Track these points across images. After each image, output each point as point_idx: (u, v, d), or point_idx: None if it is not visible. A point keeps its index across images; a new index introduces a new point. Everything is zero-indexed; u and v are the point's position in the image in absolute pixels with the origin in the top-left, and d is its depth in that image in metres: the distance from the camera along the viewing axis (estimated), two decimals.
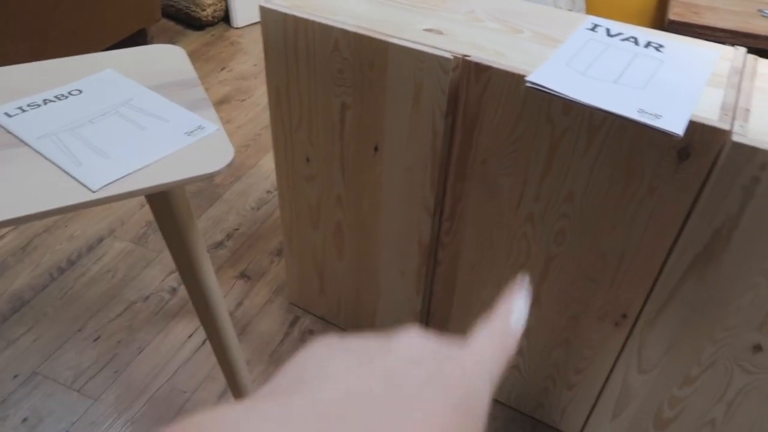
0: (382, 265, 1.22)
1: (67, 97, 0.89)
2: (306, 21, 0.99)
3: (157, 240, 1.65)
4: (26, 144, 0.79)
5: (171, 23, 2.78)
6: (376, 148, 1.05)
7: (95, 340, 1.38)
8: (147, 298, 1.49)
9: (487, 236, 1.05)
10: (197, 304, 1.00)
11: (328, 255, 1.30)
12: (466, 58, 0.89)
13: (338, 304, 1.39)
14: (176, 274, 1.55)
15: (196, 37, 2.66)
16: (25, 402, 1.24)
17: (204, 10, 2.70)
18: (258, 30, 2.73)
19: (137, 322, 1.42)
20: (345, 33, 0.96)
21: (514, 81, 0.87)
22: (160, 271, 1.56)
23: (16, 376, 1.29)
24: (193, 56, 2.51)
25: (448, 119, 0.96)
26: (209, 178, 0.78)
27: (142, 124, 0.84)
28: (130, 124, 0.84)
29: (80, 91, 0.90)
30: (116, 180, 0.75)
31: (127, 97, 0.89)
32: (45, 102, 0.87)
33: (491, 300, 1.13)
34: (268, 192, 1.84)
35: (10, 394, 1.26)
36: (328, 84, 1.03)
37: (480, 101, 0.91)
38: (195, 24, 2.76)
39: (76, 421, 1.22)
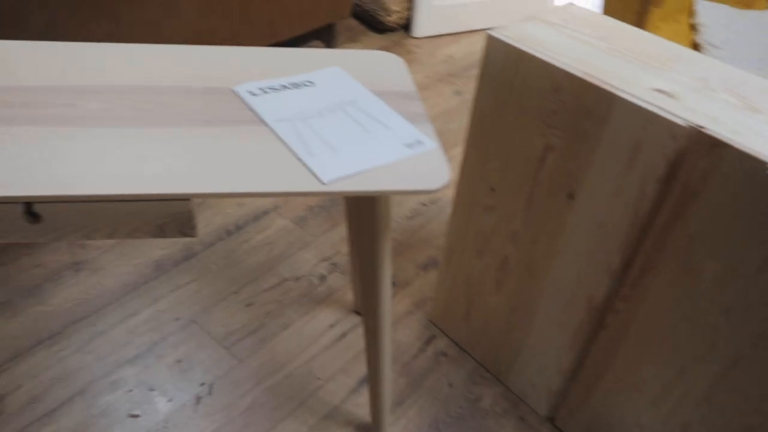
0: (540, 310, 1.20)
1: (300, 87, 0.96)
2: (530, 56, 0.99)
3: (315, 225, 1.74)
4: (266, 124, 0.87)
5: (355, 22, 2.92)
6: (570, 196, 1.03)
7: (248, 305, 1.48)
8: (298, 278, 1.57)
9: (669, 316, 0.99)
10: (367, 304, 1.03)
11: (484, 285, 1.29)
12: (701, 129, 0.85)
13: (480, 335, 1.38)
14: (327, 263, 1.62)
15: (376, 40, 2.77)
16: (181, 346, 1.36)
17: (389, 15, 2.81)
18: (435, 43, 2.79)
19: (287, 299, 1.51)
20: (569, 76, 0.95)
21: (754, 166, 0.81)
22: (314, 256, 1.64)
23: (177, 319, 1.42)
24: None
25: (662, 186, 0.91)
26: (426, 193, 0.81)
27: (367, 127, 0.88)
28: (356, 124, 0.89)
29: (312, 83, 0.97)
30: (345, 176, 0.79)
31: (354, 98, 0.95)
32: (283, 88, 0.95)
33: (652, 380, 1.06)
34: (424, 205, 1.87)
35: (170, 335, 1.38)
36: (537, 122, 1.03)
37: (706, 177, 0.85)
38: (377, 27, 2.88)
39: (222, 377, 1.31)
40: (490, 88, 1.08)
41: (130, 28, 1.76)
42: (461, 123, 2.23)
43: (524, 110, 1.04)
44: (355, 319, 1.48)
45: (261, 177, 0.78)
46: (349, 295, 1.54)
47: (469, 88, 2.45)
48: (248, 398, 1.28)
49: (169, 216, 0.80)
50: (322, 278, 1.58)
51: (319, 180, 0.78)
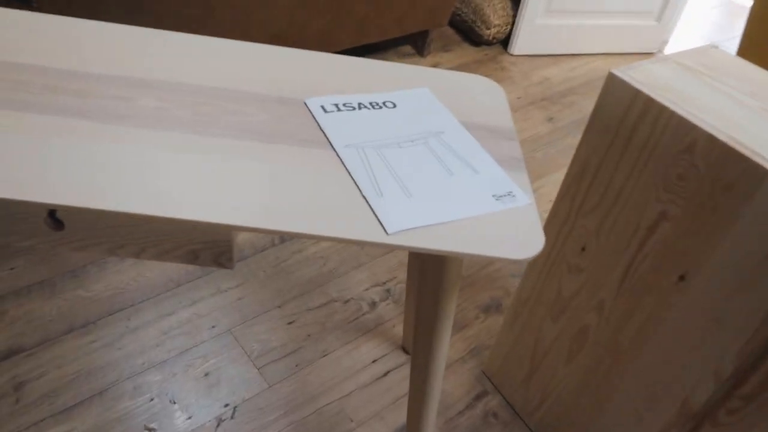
0: (618, 396, 1.02)
1: (380, 107, 0.82)
2: (662, 107, 0.81)
3: (374, 248, 1.61)
4: (333, 148, 0.74)
5: (451, 31, 2.77)
6: (682, 277, 0.85)
7: (289, 323, 1.37)
8: (347, 301, 1.45)
9: None
10: (418, 360, 0.89)
11: (555, 352, 1.12)
12: None
13: (540, 403, 1.21)
14: (380, 288, 1.49)
15: (470, 52, 2.61)
16: (212, 357, 1.27)
17: (489, 28, 2.64)
18: (532, 63, 2.60)
19: (331, 323, 1.39)
20: (710, 139, 0.77)
21: None
22: (367, 279, 1.51)
23: (213, 327, 1.33)
24: (460, 70, 2.46)
25: None
26: (512, 262, 0.66)
27: (450, 167, 0.74)
28: (438, 163, 0.75)
29: (394, 105, 0.83)
30: (414, 228, 0.66)
31: (439, 128, 0.80)
32: (359, 106, 0.82)
33: None
34: None
35: (203, 343, 1.29)
36: (655, 184, 0.85)
37: None
38: (474, 39, 2.71)
39: (248, 400, 1.21)
40: (603, 133, 0.91)
41: (221, 12, 1.68)
42: (548, 153, 2.05)
43: (641, 167, 0.86)
44: (402, 358, 1.34)
45: (314, 214, 0.65)
46: (399, 329, 1.40)
47: (562, 116, 2.26)
48: (271, 430, 1.17)
49: (204, 243, 0.68)
50: (373, 304, 1.45)
51: (383, 228, 0.65)
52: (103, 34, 0.86)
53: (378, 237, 0.64)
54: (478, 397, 1.30)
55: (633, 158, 0.87)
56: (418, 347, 0.87)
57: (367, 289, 1.49)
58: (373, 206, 0.67)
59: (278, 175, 0.69)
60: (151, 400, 1.18)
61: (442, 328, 0.82)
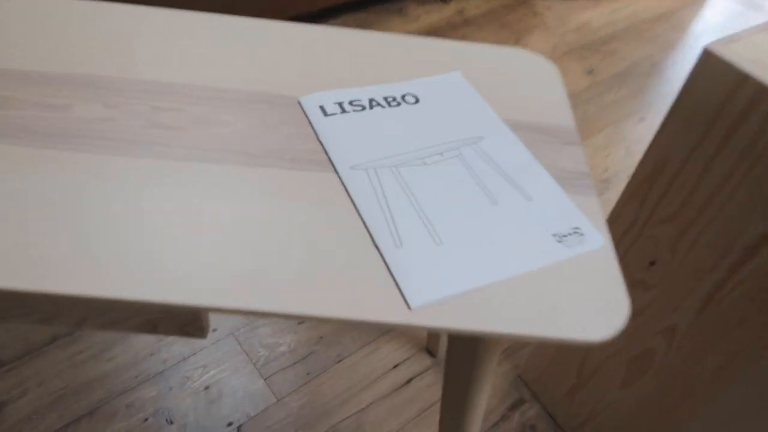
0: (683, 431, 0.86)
1: (398, 103, 0.62)
2: None
3: None
4: (335, 170, 0.55)
5: None
6: None
7: (299, 323, 1.22)
8: None
9: None
10: None
11: (608, 370, 0.95)
12: None
13: (586, 420, 1.06)
14: None
15: None
16: (213, 367, 1.13)
17: None
18: (569, 6, 2.30)
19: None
20: None
21: None
22: None
23: (214, 330, 1.19)
24: (486, 18, 2.18)
25: None
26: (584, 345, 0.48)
27: (493, 192, 0.55)
28: (477, 185, 0.55)
29: (416, 100, 0.63)
30: (445, 297, 0.47)
31: (477, 132, 0.60)
32: (371, 104, 0.62)
33: None
34: None
35: (202, 350, 1.15)
36: (762, 196, 0.65)
37: None
38: None
39: (254, 418, 1.07)
40: (691, 124, 0.70)
41: None
42: (587, 112, 1.81)
43: (744, 172, 0.66)
44: (426, 361, 1.19)
45: (308, 281, 0.47)
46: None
47: (603, 67, 1.99)
48: None
49: (163, 312, 0.51)
50: None
51: (403, 299, 0.47)
52: (26, 9, 0.66)
53: (396, 314, 0.46)
54: (514, 407, 1.15)
55: (732, 159, 0.66)
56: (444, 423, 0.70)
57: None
58: (389, 264, 0.48)
59: (261, 221, 0.51)
60: (146, 420, 1.05)
61: (471, 421, 0.65)
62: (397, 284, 0.47)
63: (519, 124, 0.62)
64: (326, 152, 0.56)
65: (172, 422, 1.05)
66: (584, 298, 0.48)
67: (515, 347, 1.23)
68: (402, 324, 0.46)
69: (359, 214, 0.52)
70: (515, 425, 1.12)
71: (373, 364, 1.17)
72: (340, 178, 0.54)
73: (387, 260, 0.48)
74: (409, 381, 1.15)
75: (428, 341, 1.20)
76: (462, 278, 0.48)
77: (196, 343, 1.16)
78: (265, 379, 1.12)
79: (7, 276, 0.45)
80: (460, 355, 0.59)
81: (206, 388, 1.10)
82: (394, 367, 1.17)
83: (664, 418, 0.89)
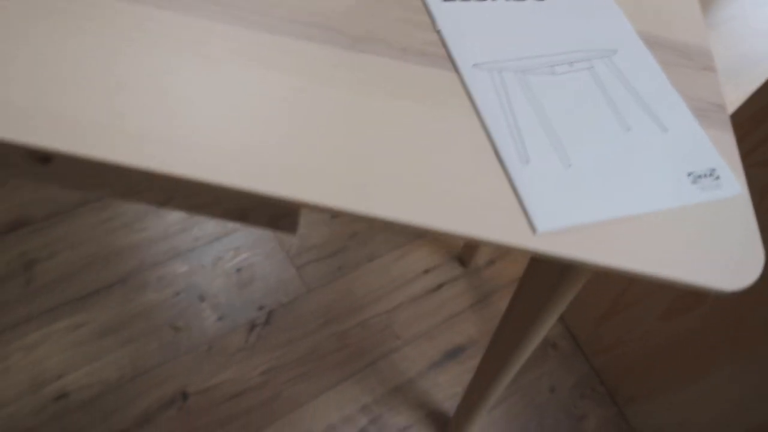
0: (721, 377, 0.86)
1: None
2: None
3: None
4: (456, 68, 0.49)
5: None
6: None
7: (333, 217, 1.19)
8: None
9: None
10: (493, 352, 0.72)
11: (650, 302, 0.95)
12: None
13: (611, 346, 1.07)
14: None
15: None
16: (245, 250, 1.11)
17: None
18: None
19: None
20: None
21: None
22: None
23: None
24: None
25: None
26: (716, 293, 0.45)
27: (627, 117, 0.49)
28: (609, 108, 0.50)
29: None
30: (572, 225, 0.43)
31: (610, 45, 0.54)
32: None
33: None
34: None
35: (234, 232, 1.13)
36: None
37: None
38: None
39: (285, 305, 1.07)
40: None
41: None
42: None
43: None
44: (457, 271, 1.18)
45: (419, 188, 0.43)
46: (456, 236, 1.22)
47: None
48: (310, 341, 1.05)
49: (257, 201, 0.47)
50: None
51: (528, 221, 0.43)
52: None
53: (519, 237, 0.42)
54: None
55: None
56: (499, 344, 0.69)
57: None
58: (515, 181, 0.44)
59: (367, 117, 0.45)
60: (177, 294, 1.04)
61: (534, 336, 0.63)
62: (521, 204, 0.43)
63: (651, 38, 0.56)
64: (445, 45, 0.50)
65: (203, 299, 1.05)
66: (715, 246, 0.45)
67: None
68: (525, 248, 0.42)
69: (481, 121, 0.46)
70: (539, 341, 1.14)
71: (404, 267, 1.16)
72: (461, 77, 0.48)
73: (512, 177, 0.44)
74: (439, 287, 1.15)
75: (462, 250, 1.19)
76: (590, 208, 0.44)
77: (229, 223, 1.13)
78: (296, 269, 1.11)
79: (105, 147, 0.40)
80: (543, 278, 0.57)
81: (238, 270, 1.09)
82: (425, 272, 1.16)
83: (696, 359, 0.89)
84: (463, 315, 1.13)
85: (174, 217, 1.11)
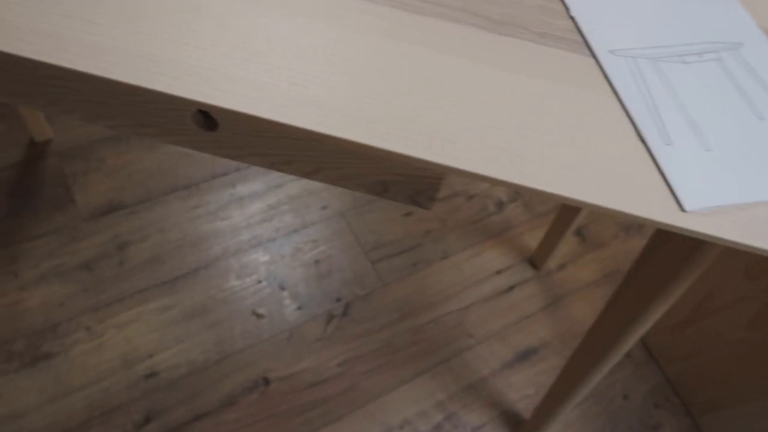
0: None
1: None
2: None
3: None
4: (591, 52, 0.51)
5: None
6: None
7: (406, 214, 1.22)
8: (471, 197, 1.27)
9: None
10: (588, 347, 0.72)
11: (735, 310, 0.94)
12: None
13: (688, 356, 1.06)
14: (509, 191, 1.30)
15: None
16: (323, 243, 1.14)
17: None
18: None
19: (452, 221, 1.22)
20: None
21: None
22: None
23: (324, 208, 1.19)
24: None
25: None
26: None
27: (758, 107, 0.50)
28: (741, 97, 0.51)
29: None
30: (719, 205, 0.44)
31: (736, 38, 0.55)
32: None
33: None
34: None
35: (312, 225, 1.16)
36: None
37: None
38: None
39: (361, 297, 1.10)
40: None
41: None
42: None
43: None
44: (528, 273, 1.19)
45: (567, 162, 0.45)
46: (527, 238, 1.23)
47: None
48: (385, 334, 1.07)
49: (403, 175, 0.49)
50: (500, 205, 1.27)
51: (675, 200, 0.44)
52: None
53: (668, 215, 0.43)
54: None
55: None
56: (598, 335, 0.70)
57: (494, 187, 1.30)
58: (659, 161, 0.45)
59: (511, 96, 0.47)
60: (259, 282, 1.08)
61: (641, 325, 0.64)
62: (668, 183, 0.44)
63: None
64: (580, 31, 0.52)
65: (284, 288, 1.08)
66: None
67: (616, 273, 1.22)
68: (675, 226, 0.43)
69: (621, 103, 0.48)
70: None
71: (477, 267, 1.17)
72: (597, 61, 0.50)
73: (656, 156, 0.45)
74: (510, 288, 1.16)
75: (534, 253, 1.19)
76: (735, 189, 0.45)
77: (307, 216, 1.16)
78: (372, 263, 1.14)
79: (254, 103, 0.43)
80: (671, 254, 0.57)
81: (316, 261, 1.12)
82: (497, 272, 1.17)
83: None
84: (534, 317, 1.13)
85: (255, 207, 1.15)
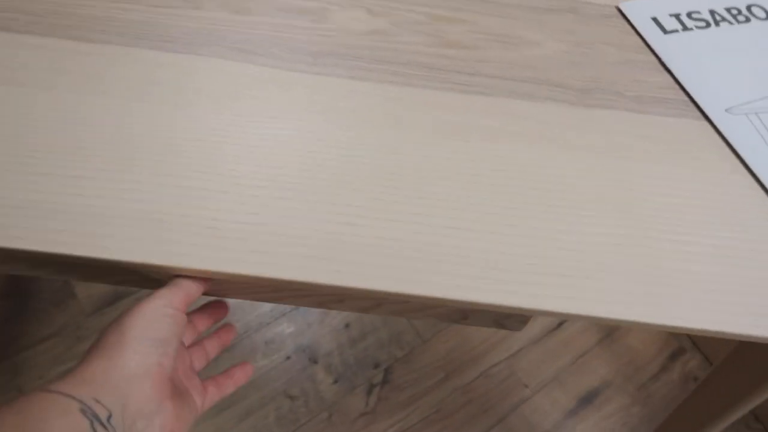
0: None
1: (746, 18, 0.46)
2: None
3: None
4: (703, 114, 0.40)
5: None
6: None
7: None
8: None
9: None
10: None
11: None
12: None
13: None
14: None
15: None
16: None
17: None
18: None
19: None
20: None
21: None
22: None
23: None
24: None
25: None
26: None
27: None
28: None
29: (766, 14, 0.47)
30: None
31: None
32: (714, 18, 0.46)
33: None
34: None
35: None
36: None
37: None
38: None
39: (400, 359, 0.99)
40: None
41: None
42: None
43: None
44: None
45: (706, 287, 0.35)
46: None
47: None
48: (433, 398, 0.96)
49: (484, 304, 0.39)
50: None
51: None
52: None
53: None
54: (674, 357, 1.06)
55: None
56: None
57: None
58: None
59: (629, 185, 0.37)
60: (288, 358, 0.97)
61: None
62: None
63: None
64: (682, 87, 0.41)
65: (315, 361, 0.97)
66: None
67: None
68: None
69: (751, 172, 0.38)
70: (675, 378, 1.04)
71: None
72: (713, 124, 0.40)
73: None
74: (559, 325, 1.06)
75: None
76: None
77: None
78: (407, 319, 1.03)
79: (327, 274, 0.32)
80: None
81: (347, 326, 1.01)
82: None
83: None
84: (591, 353, 1.03)
85: None
